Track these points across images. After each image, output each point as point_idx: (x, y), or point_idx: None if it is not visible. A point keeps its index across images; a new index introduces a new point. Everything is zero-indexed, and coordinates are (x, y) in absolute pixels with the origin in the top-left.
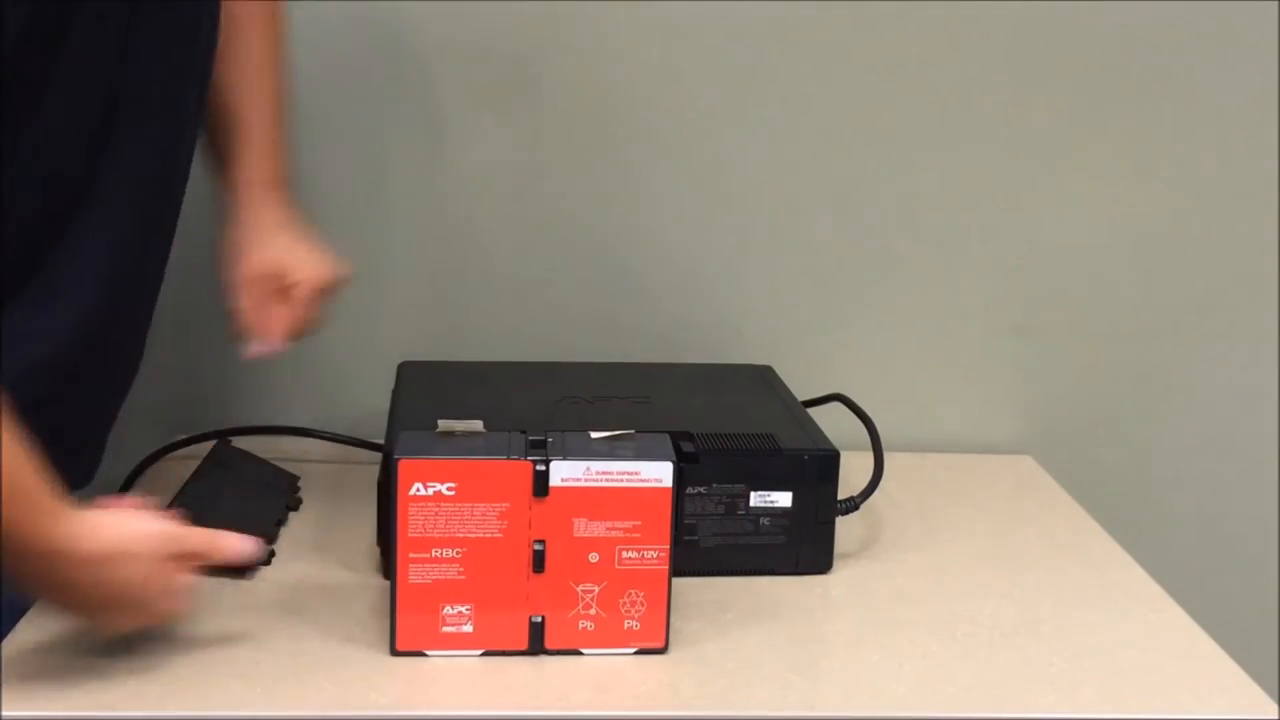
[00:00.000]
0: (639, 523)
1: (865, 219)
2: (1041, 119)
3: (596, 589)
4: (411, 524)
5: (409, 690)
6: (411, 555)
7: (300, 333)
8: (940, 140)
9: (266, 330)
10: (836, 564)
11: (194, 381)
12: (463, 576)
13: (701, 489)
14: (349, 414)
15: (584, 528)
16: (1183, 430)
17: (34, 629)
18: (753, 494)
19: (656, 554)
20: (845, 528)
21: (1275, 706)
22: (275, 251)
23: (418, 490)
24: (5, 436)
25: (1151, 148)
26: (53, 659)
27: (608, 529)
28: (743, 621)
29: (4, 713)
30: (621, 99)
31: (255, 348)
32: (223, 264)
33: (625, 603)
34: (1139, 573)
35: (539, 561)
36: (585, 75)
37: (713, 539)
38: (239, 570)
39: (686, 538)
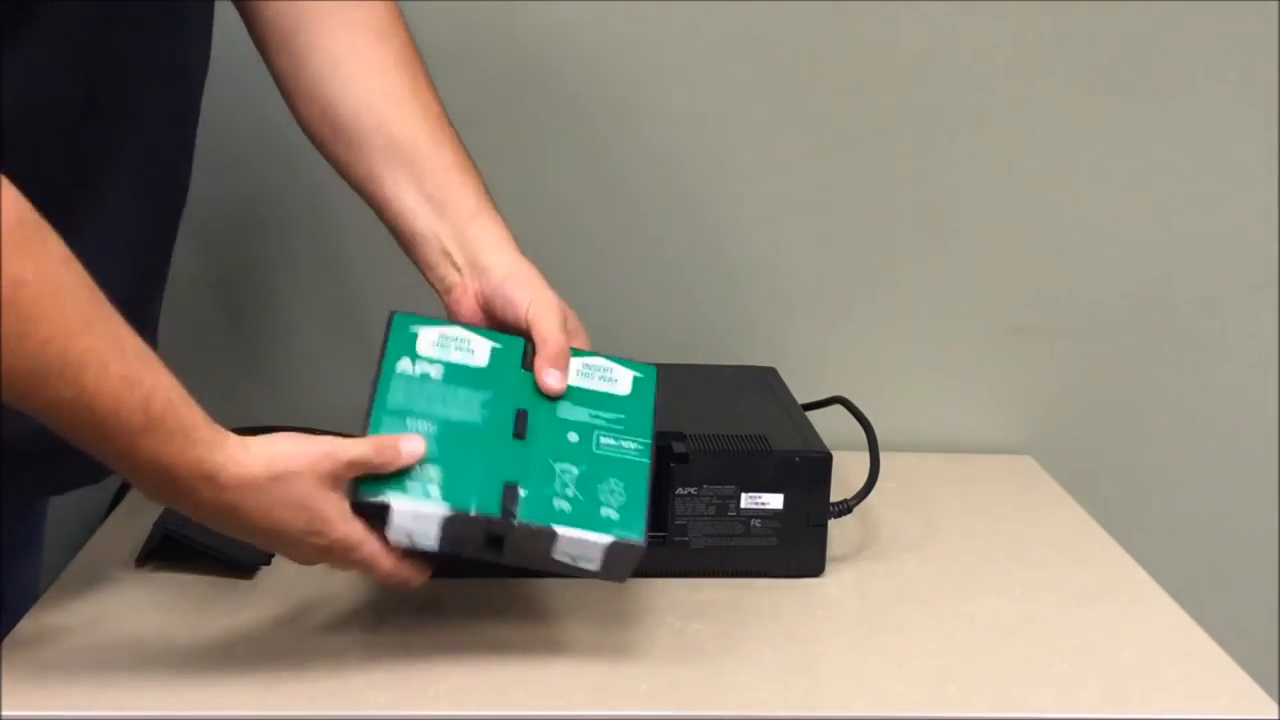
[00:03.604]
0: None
1: (871, 220)
2: (1041, 119)
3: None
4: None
5: (409, 690)
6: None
7: None
8: (941, 141)
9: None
10: (836, 564)
11: (194, 381)
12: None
13: (692, 489)
14: (349, 414)
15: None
16: (1183, 430)
17: (34, 629)
18: (743, 495)
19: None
20: (845, 528)
21: (1275, 706)
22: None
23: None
24: (159, 366)
25: (1151, 148)
26: (53, 659)
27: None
28: (743, 621)
29: (4, 713)
30: (623, 99)
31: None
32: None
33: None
34: (1139, 573)
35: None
36: (587, 76)
37: (703, 540)
38: (239, 570)
39: (677, 539)
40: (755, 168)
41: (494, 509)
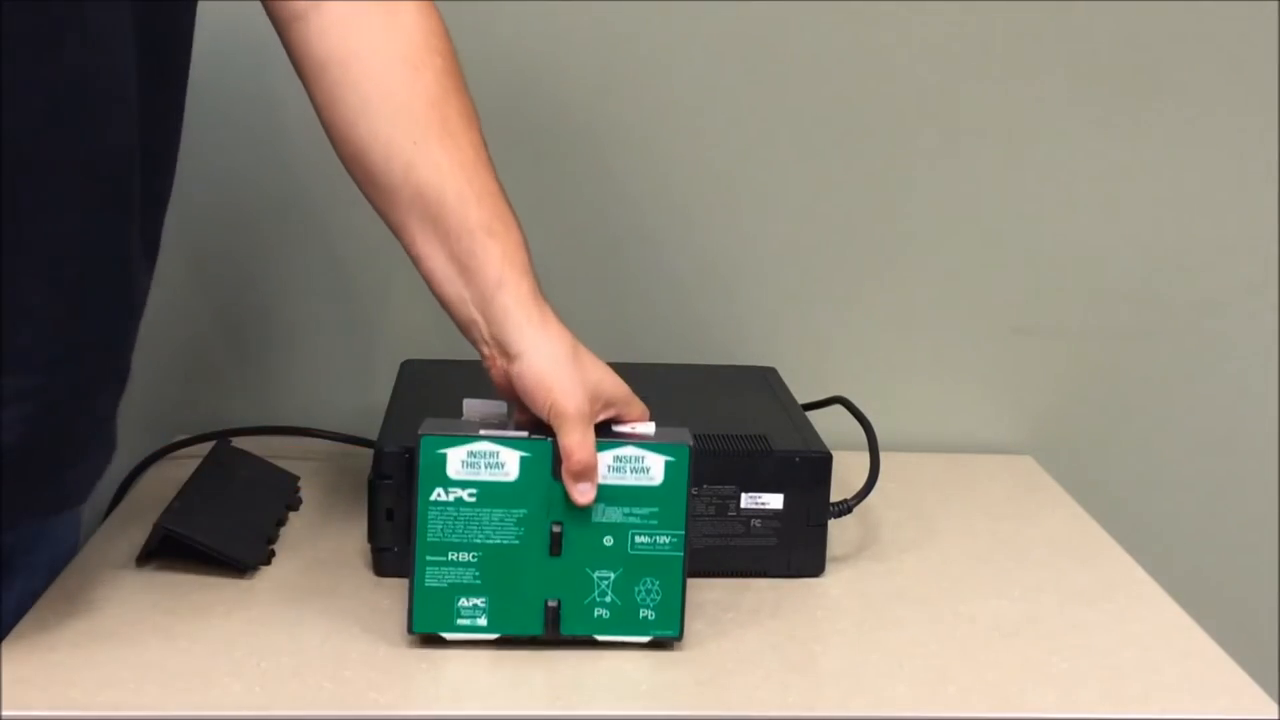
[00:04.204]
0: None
1: (870, 220)
2: (1042, 119)
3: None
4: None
5: (409, 690)
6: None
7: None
8: (941, 142)
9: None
10: (836, 564)
11: (194, 381)
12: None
13: (693, 490)
14: (349, 413)
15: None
16: (1183, 430)
17: (34, 629)
18: (744, 495)
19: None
20: (845, 528)
21: (1275, 706)
22: (590, 379)
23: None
24: None
25: (1151, 148)
26: (53, 659)
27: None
28: (743, 621)
29: (4, 713)
30: (624, 100)
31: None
32: (530, 398)
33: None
34: (1139, 573)
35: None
36: (587, 77)
37: (703, 540)
38: (239, 570)
39: None
40: (755, 168)
41: (538, 628)
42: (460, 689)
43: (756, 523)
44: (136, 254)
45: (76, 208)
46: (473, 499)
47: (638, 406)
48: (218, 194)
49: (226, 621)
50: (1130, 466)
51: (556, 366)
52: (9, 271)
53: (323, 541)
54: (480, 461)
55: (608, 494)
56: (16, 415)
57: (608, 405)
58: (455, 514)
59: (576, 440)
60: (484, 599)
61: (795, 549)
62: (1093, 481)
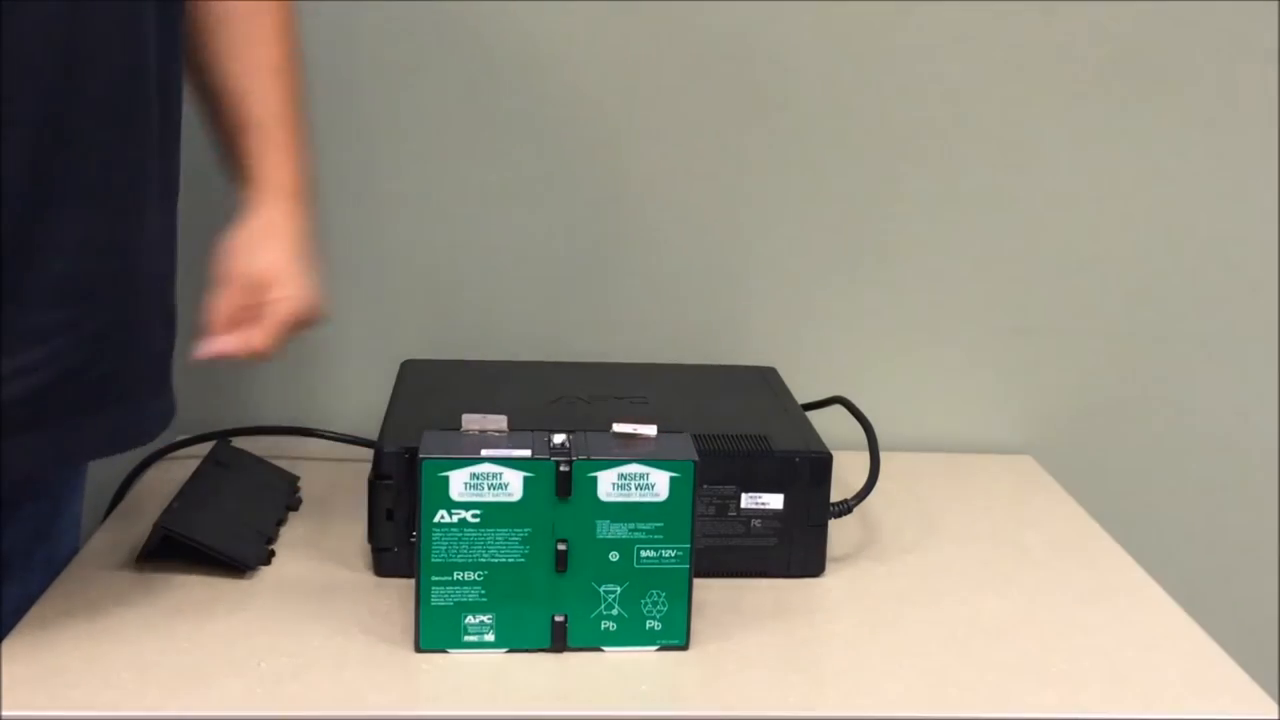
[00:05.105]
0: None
1: (870, 220)
2: (1041, 119)
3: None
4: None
5: (410, 690)
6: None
7: (260, 354)
8: (941, 142)
9: (226, 337)
10: (837, 564)
11: (194, 381)
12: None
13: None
14: (349, 413)
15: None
16: (1183, 430)
17: (34, 629)
18: (744, 495)
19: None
20: (846, 528)
21: (1275, 706)
22: (265, 262)
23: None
24: None
25: (1152, 148)
26: (53, 659)
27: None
28: (743, 621)
29: (4, 713)
30: (623, 100)
31: (206, 349)
32: (216, 262)
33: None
34: (1139, 573)
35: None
36: (587, 76)
37: (703, 540)
38: (238, 569)
39: None
40: (756, 167)
41: (545, 642)
42: (461, 689)
43: (757, 523)
44: (153, 190)
45: (108, 134)
46: (476, 519)
47: (288, 289)
48: (218, 193)
49: (226, 621)
50: (1130, 466)
51: (244, 235)
52: (41, 200)
53: (323, 541)
54: (484, 483)
55: (613, 511)
56: (47, 353)
57: (257, 286)
58: (459, 535)
59: (213, 304)
60: (490, 615)
61: (795, 549)
62: (1093, 481)
